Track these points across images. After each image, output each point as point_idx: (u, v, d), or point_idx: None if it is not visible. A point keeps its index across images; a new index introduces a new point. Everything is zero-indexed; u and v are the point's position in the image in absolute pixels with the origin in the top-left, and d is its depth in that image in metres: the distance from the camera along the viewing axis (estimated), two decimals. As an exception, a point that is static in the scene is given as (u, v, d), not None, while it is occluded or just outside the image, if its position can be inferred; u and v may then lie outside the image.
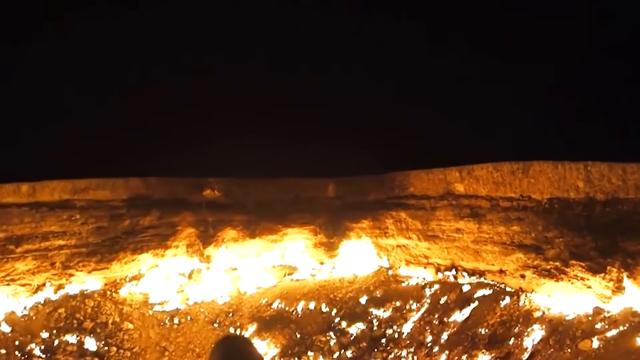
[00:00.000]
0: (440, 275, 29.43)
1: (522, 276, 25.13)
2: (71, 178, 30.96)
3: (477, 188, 27.37)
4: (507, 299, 24.73)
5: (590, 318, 21.10)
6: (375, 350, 26.66)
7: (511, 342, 22.44)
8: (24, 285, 28.67)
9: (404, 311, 28.22)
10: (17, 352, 25.11)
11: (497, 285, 26.33)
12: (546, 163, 24.38)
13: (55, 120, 37.42)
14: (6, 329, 26.18)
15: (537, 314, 23.09)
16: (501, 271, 26.37)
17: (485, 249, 27.06)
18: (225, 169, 34.53)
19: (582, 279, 22.39)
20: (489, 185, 26.75)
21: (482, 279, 27.33)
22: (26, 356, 25.08)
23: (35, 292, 28.92)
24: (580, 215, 22.64)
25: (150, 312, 30.04)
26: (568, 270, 23.01)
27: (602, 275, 21.48)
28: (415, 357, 25.19)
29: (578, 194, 22.90)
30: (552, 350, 20.62)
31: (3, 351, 24.66)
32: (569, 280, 22.95)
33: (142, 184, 32.73)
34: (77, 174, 31.31)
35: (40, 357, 25.23)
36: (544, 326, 22.12)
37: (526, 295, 24.39)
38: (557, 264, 23.49)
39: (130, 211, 31.88)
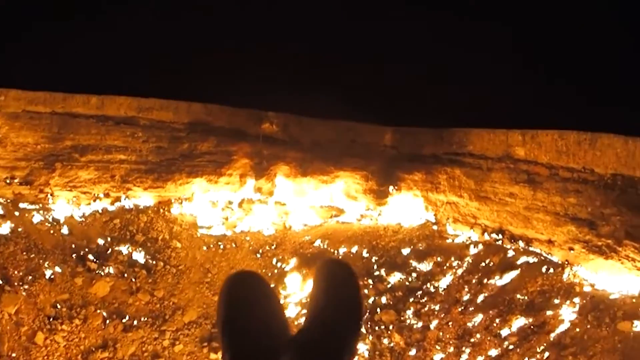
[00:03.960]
0: (486, 237, 29.06)
1: (571, 249, 24.52)
2: (138, 96, 31.97)
3: (539, 154, 26.44)
4: (551, 270, 24.25)
5: (634, 300, 20.50)
6: (410, 300, 26.93)
7: (548, 312, 22.16)
8: (84, 193, 30.33)
9: (445, 267, 28.19)
10: (72, 255, 26.80)
11: (543, 254, 25.83)
12: (616, 137, 23.12)
13: (132, 38, 38.20)
14: (65, 231, 27.90)
15: (580, 288, 22.63)
16: (549, 241, 25.76)
17: (537, 217, 26.40)
18: (286, 105, 34.61)
19: (634, 260, 21.62)
20: (552, 153, 25.78)
21: (528, 247, 26.85)
22: (80, 259, 26.74)
23: (94, 200, 30.54)
24: (644, 196, 21.66)
25: (198, 234, 31.24)
26: (620, 249, 22.23)
27: (656, 259, 20.72)
28: (448, 314, 25.33)
29: (645, 173, 21.83)
30: (589, 326, 20.26)
31: (59, 252, 26.37)
32: (619, 260, 22.21)
33: (203, 110, 33.40)
34: (144, 92, 32.26)
35: (93, 262, 26.82)
36: (584, 301, 21.66)
37: (571, 269, 23.86)
38: (609, 241, 22.71)
39: (189, 135, 32.75)
